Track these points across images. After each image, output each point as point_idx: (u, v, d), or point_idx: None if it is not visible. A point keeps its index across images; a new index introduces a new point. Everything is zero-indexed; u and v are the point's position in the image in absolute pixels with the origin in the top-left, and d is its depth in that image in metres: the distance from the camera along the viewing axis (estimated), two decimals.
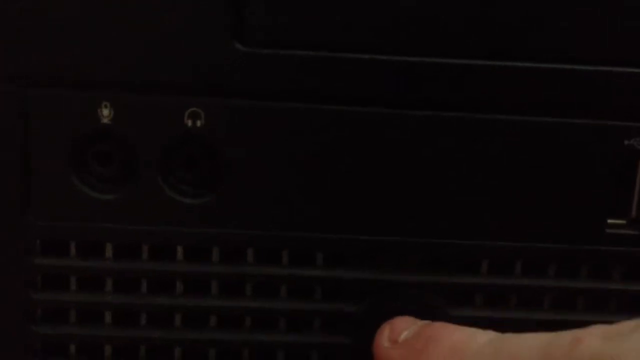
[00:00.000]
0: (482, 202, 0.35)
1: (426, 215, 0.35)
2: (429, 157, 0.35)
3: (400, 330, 0.33)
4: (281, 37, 0.33)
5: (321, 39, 0.33)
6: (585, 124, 0.35)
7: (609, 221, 0.36)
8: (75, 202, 0.35)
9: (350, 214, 0.35)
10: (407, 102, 0.34)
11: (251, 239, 0.35)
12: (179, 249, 0.36)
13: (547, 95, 0.34)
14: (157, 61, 0.33)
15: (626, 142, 0.35)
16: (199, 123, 0.34)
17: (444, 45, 0.33)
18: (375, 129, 0.34)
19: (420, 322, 0.33)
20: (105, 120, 0.34)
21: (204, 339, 0.36)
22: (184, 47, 0.33)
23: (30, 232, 0.35)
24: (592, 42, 0.34)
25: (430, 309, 0.36)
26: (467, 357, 0.30)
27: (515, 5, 0.33)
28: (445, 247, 0.36)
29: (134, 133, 0.34)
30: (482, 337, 0.30)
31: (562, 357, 0.27)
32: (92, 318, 0.36)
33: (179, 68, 0.33)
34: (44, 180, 0.35)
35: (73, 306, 0.36)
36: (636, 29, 0.34)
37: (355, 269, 0.36)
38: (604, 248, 0.36)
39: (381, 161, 0.35)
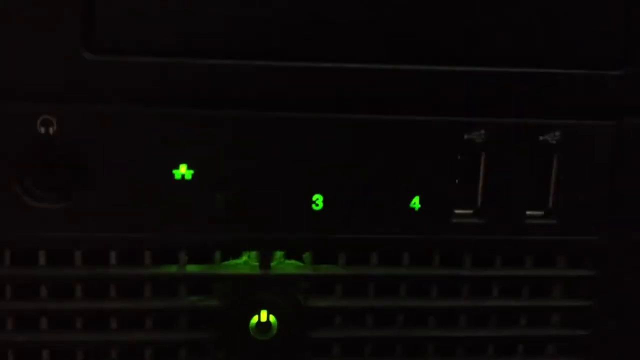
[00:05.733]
0: (344, 197, 0.37)
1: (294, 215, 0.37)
2: (296, 154, 0.36)
3: None
4: (128, 44, 0.34)
5: (165, 45, 0.34)
6: (429, 120, 0.37)
7: (457, 211, 0.38)
8: None
9: (204, 213, 0.36)
10: (246, 104, 0.35)
11: (113, 241, 0.37)
12: (41, 254, 0.37)
13: (396, 96, 0.36)
14: (9, 69, 0.34)
15: (466, 136, 0.37)
16: (51, 130, 0.34)
17: (286, 49, 0.35)
18: (225, 129, 0.36)
19: None
20: None
21: (71, 340, 0.37)
22: (35, 56, 0.34)
23: None
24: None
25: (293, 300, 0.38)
26: None
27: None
28: (303, 240, 0.38)
29: None
30: None
31: None
32: None
33: (30, 76, 0.34)
34: None
35: None
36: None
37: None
38: (452, 237, 0.38)
39: (234, 158, 0.36)
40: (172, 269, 0.37)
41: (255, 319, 0.38)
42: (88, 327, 0.37)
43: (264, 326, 0.38)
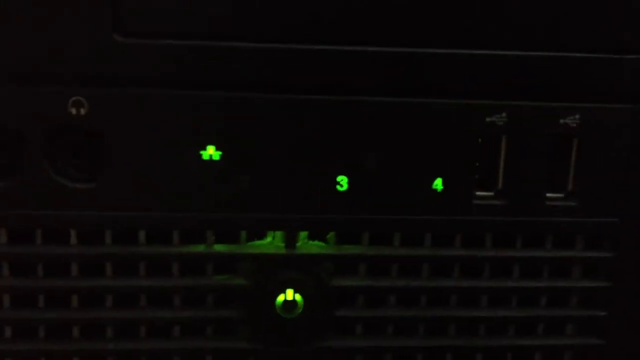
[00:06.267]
0: (368, 178, 0.38)
1: (316, 197, 0.38)
2: (311, 136, 0.37)
3: None
4: (158, 28, 0.35)
5: (194, 28, 0.35)
6: (451, 103, 0.37)
7: (478, 193, 0.39)
8: None
9: (230, 194, 0.37)
10: (271, 87, 0.36)
11: (141, 220, 0.37)
12: (72, 233, 0.37)
13: (419, 79, 0.37)
14: (41, 53, 0.35)
15: (488, 119, 0.37)
16: (82, 111, 0.35)
17: (317, 33, 0.36)
18: (251, 112, 0.36)
19: None
20: None
21: (101, 317, 0.38)
22: (66, 39, 0.35)
23: None
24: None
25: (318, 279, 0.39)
26: None
27: None
28: (327, 221, 0.38)
29: (19, 122, 0.35)
30: None
31: None
32: None
33: (61, 59, 0.35)
34: None
35: None
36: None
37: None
38: (474, 218, 0.39)
39: (255, 141, 0.37)
40: (200, 248, 0.38)
41: (281, 298, 0.39)
42: (117, 305, 0.39)
43: (290, 304, 0.39)
